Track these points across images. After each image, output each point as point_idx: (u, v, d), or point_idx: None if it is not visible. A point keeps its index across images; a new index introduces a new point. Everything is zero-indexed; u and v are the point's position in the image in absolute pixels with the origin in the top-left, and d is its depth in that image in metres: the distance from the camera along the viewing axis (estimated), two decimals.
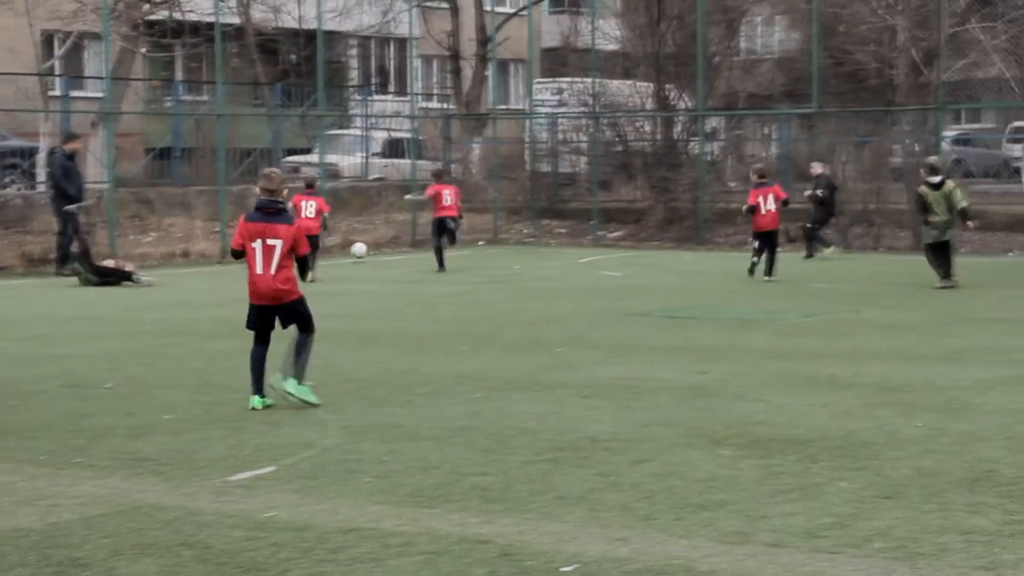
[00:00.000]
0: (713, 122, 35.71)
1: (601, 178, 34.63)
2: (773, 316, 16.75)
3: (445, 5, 44.08)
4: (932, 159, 21.33)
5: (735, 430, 9.59)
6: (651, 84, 34.40)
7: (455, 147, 38.01)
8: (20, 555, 6.75)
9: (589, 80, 34.68)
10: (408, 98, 40.36)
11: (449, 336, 15.06)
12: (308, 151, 36.92)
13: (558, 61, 44.94)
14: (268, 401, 10.58)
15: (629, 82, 35.58)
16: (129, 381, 12.15)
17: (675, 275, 23.02)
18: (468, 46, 42.49)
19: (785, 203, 22.08)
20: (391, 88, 46.39)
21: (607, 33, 37.28)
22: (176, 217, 30.29)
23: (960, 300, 18.59)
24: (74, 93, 35.16)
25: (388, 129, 39.55)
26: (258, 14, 38.61)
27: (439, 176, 25.65)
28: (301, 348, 10.56)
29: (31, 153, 30.18)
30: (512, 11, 46.25)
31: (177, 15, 35.88)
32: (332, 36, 41.16)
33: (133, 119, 34.70)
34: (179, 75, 40.03)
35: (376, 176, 37.26)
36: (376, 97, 44.16)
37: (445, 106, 43.62)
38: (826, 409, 10.38)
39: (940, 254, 19.95)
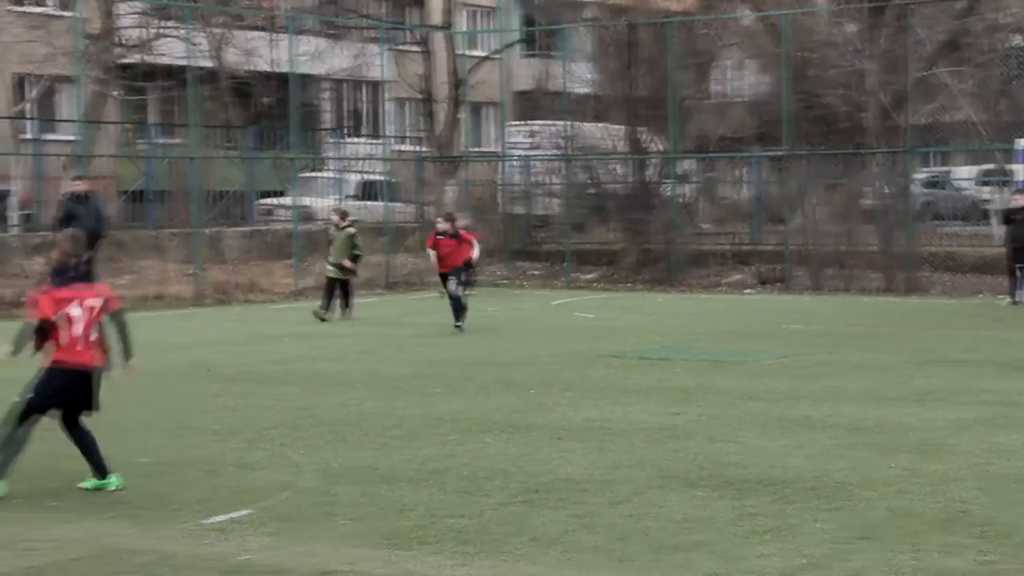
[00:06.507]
0: (685, 164, 35.85)
1: (574, 220, 34.73)
2: (745, 357, 16.81)
3: (418, 48, 44.29)
4: (341, 206, 25.48)
5: (709, 471, 9.62)
6: (623, 127, 34.56)
7: (429, 189, 38.07)
8: None
9: (562, 123, 34.83)
10: (381, 140, 40.44)
11: (422, 378, 15.06)
12: (281, 193, 36.93)
13: (531, 104, 45.04)
14: None
15: (602, 125, 35.73)
16: (103, 424, 12.07)
17: (648, 317, 23.08)
18: (441, 89, 42.63)
19: None
20: (364, 131, 46.48)
21: (579, 76, 37.43)
22: (149, 260, 30.20)
23: (931, 341, 18.71)
24: (46, 136, 35.08)
25: (362, 171, 39.59)
26: (231, 57, 38.68)
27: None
28: None
29: (2, 196, 30.07)
30: (485, 54, 46.46)
31: (150, 59, 35.93)
32: (305, 79, 41.23)
33: (106, 162, 34.63)
34: (152, 118, 40.01)
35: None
36: (349, 140, 44.22)
37: (418, 148, 43.71)
38: (800, 450, 10.42)
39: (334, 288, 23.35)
